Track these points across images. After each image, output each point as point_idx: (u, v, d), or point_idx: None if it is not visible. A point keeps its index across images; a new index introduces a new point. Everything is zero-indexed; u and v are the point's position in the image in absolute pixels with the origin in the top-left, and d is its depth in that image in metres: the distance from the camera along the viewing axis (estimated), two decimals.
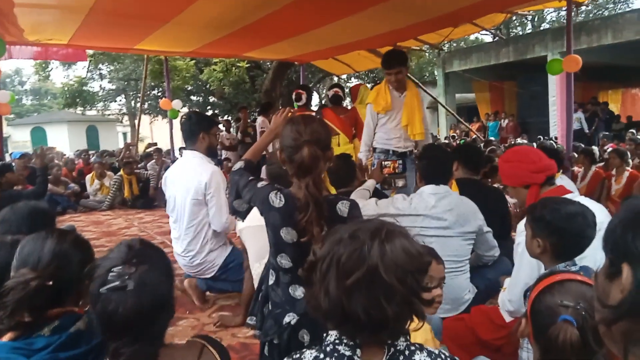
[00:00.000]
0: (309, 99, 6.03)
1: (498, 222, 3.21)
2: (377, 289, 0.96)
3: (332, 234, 1.06)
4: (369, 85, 7.99)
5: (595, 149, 7.07)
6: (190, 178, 3.21)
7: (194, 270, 3.34)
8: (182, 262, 3.34)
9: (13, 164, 6.60)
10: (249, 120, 9.84)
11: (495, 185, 5.30)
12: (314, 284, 1.04)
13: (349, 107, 5.99)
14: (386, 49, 8.27)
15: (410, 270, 0.98)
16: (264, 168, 3.44)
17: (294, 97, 5.85)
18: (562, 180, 3.42)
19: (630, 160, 6.01)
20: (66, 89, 19.70)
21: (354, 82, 20.80)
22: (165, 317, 1.21)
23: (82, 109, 22.04)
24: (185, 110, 19.41)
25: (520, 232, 2.11)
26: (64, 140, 26.40)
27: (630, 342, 0.75)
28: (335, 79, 19.59)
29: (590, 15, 20.49)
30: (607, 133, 11.13)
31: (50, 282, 1.32)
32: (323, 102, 18.69)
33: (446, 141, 12.38)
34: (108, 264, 1.16)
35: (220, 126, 10.36)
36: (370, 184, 3.15)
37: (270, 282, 1.77)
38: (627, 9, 18.94)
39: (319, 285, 1.02)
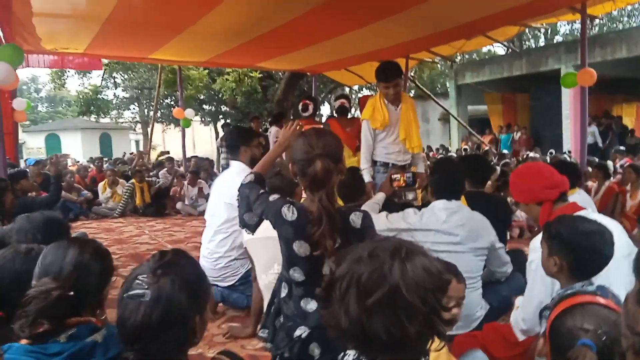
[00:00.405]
0: (316, 109, 6.04)
1: (503, 231, 3.19)
2: (398, 308, 0.95)
3: (351, 252, 1.05)
4: None
5: (609, 163, 6.98)
6: (229, 183, 3.32)
7: (216, 274, 3.37)
8: (206, 265, 3.36)
9: (27, 170, 6.67)
10: (260, 130, 9.87)
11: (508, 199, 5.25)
12: (332, 303, 1.02)
13: (355, 117, 5.94)
14: (399, 61, 8.34)
15: (431, 289, 0.97)
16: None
17: (300, 107, 5.85)
18: (579, 195, 3.37)
19: None
20: (81, 96, 19.99)
21: (365, 93, 20.87)
22: (179, 336, 1.16)
23: (96, 116, 22.34)
24: (198, 119, 19.61)
25: (534, 249, 2.07)
26: (77, 148, 26.76)
27: None
28: (347, 89, 19.67)
29: (605, 28, 20.39)
30: (621, 148, 11.00)
31: (72, 292, 1.32)
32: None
33: (456, 154, 12.32)
34: (139, 271, 1.18)
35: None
36: (380, 197, 3.13)
37: (283, 294, 1.76)
38: None
39: (339, 304, 1.00)
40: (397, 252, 0.99)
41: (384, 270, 0.96)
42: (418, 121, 4.25)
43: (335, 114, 5.81)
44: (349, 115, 5.99)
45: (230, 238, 3.34)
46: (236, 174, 3.33)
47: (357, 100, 7.66)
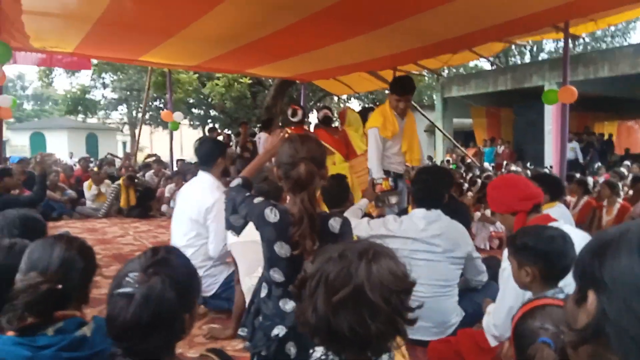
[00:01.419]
0: (305, 116, 6.12)
1: None
2: (362, 306, 1.00)
3: (323, 252, 1.11)
4: (358, 107, 8.06)
5: (590, 179, 7.15)
6: (196, 198, 3.31)
7: None
8: None
9: (11, 168, 6.61)
10: (248, 136, 9.93)
11: (487, 211, 5.37)
12: (303, 300, 1.08)
13: (339, 129, 6.06)
14: (387, 72, 8.48)
15: (394, 290, 1.02)
16: None
17: (289, 112, 5.92)
18: (559, 208, 3.47)
19: (621, 192, 6.08)
20: (69, 96, 19.84)
21: (353, 102, 21.04)
22: (166, 335, 1.17)
23: (83, 116, 22.14)
24: (186, 122, 19.54)
25: (506, 258, 2.15)
26: (63, 147, 26.44)
27: None
28: (336, 98, 19.80)
29: (588, 47, 20.85)
30: (600, 165, 11.26)
31: (60, 286, 1.35)
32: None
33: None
34: (130, 268, 1.18)
35: (220, 138, 10.47)
36: (363, 203, 3.20)
37: (262, 295, 1.82)
38: (624, 44, 19.28)
39: (308, 301, 1.06)
40: (364, 254, 1.05)
41: (350, 270, 1.02)
42: (417, 135, 4.43)
43: (321, 124, 5.90)
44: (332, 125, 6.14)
45: (201, 250, 3.30)
46: (209, 190, 3.29)
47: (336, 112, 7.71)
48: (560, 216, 2.76)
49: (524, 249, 1.74)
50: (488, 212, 5.36)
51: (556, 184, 3.68)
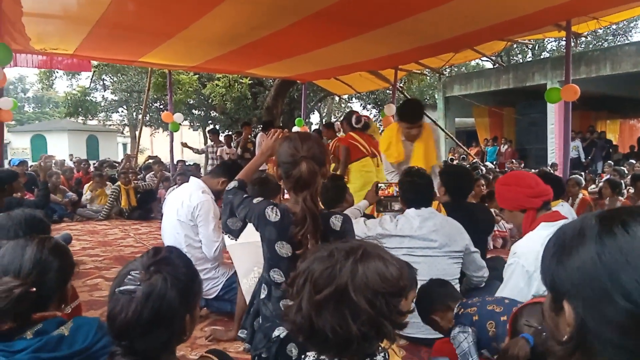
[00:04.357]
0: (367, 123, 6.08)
1: (484, 239, 3.26)
2: (344, 307, 0.98)
3: (314, 251, 1.09)
4: (359, 107, 8.02)
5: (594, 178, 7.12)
6: (182, 200, 3.28)
7: None
8: None
9: (18, 172, 6.62)
10: (250, 136, 9.93)
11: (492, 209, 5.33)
12: (291, 297, 1.07)
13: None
14: (388, 72, 8.46)
15: (381, 292, 0.99)
16: None
17: (354, 119, 5.69)
18: (562, 207, 3.46)
19: (624, 191, 6.05)
20: (69, 98, 19.85)
21: (355, 102, 21.03)
22: (166, 334, 1.16)
23: (83, 118, 22.17)
24: (187, 123, 19.51)
25: (513, 254, 2.13)
26: (64, 149, 26.46)
27: None
28: (337, 98, 19.79)
29: (590, 46, 20.80)
30: (610, 162, 11.23)
31: (34, 289, 1.33)
32: (324, 122, 18.79)
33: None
34: (132, 266, 1.18)
35: (221, 138, 10.47)
36: (362, 204, 3.18)
37: (262, 296, 1.79)
38: (626, 42, 19.23)
39: (295, 299, 1.04)
40: (352, 253, 1.02)
41: (335, 269, 1.00)
42: (436, 148, 4.16)
43: (360, 129, 5.77)
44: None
45: (192, 253, 3.21)
46: (195, 192, 3.27)
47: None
48: (567, 214, 2.74)
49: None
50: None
51: (558, 182, 3.67)
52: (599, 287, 0.65)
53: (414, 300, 2.05)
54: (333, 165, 5.51)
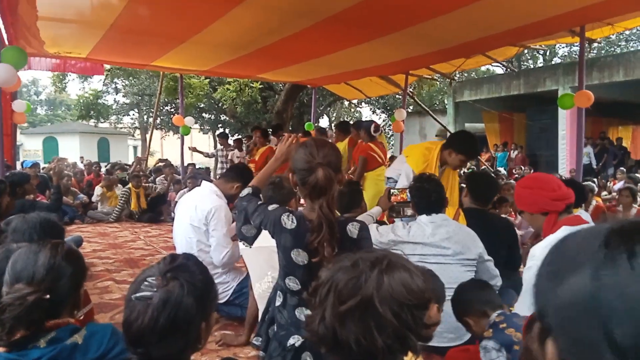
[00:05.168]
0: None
1: (506, 252, 3.22)
2: (369, 319, 0.96)
3: (338, 260, 1.07)
4: (369, 112, 7.96)
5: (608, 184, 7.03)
6: (195, 204, 3.27)
7: None
8: None
9: (29, 174, 6.68)
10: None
11: (503, 215, 5.28)
12: (313, 307, 1.05)
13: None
14: (399, 77, 8.44)
15: (407, 304, 0.97)
16: None
17: (372, 128, 5.70)
18: (581, 214, 3.41)
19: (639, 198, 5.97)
20: (81, 100, 20.04)
21: (364, 107, 20.99)
22: (182, 342, 1.15)
23: (95, 121, 22.35)
24: (197, 127, 19.60)
25: (532, 257, 2.09)
26: (75, 151, 26.71)
27: None
28: (346, 103, 19.78)
29: (602, 52, 20.63)
30: (622, 169, 11.09)
31: (48, 296, 1.31)
32: (333, 125, 18.76)
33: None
34: (148, 272, 1.17)
35: (230, 142, 10.49)
36: (375, 211, 3.15)
37: (277, 303, 1.78)
38: (639, 48, 19.04)
39: (318, 309, 1.02)
40: (377, 264, 1.00)
41: (360, 280, 0.98)
42: (457, 185, 4.02)
43: (376, 138, 5.80)
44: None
45: (204, 258, 3.18)
46: (206, 195, 3.26)
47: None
48: (586, 220, 2.70)
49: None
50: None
51: (580, 190, 3.62)
52: (587, 334, 0.55)
53: (440, 310, 2.02)
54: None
